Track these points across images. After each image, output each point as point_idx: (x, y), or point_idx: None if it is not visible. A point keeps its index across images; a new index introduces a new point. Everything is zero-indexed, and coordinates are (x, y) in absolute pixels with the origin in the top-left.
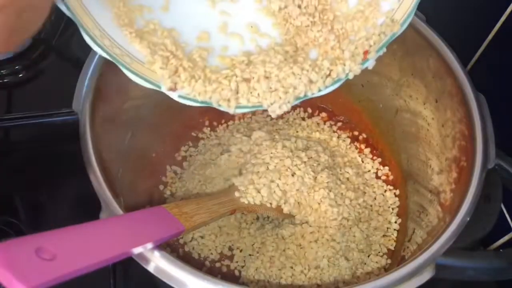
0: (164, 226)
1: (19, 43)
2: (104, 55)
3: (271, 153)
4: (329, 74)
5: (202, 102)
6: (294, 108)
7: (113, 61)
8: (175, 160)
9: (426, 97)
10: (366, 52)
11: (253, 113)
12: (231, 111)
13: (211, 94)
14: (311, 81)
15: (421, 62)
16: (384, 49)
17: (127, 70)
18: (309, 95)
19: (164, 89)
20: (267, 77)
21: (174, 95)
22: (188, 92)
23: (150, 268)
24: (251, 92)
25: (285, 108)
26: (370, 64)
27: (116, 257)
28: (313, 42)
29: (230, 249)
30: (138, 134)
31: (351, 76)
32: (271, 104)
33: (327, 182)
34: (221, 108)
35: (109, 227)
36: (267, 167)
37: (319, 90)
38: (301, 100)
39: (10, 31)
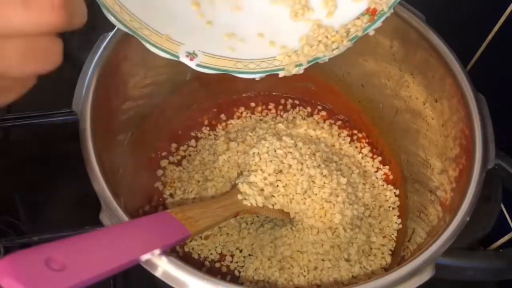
0: (170, 231)
1: None
2: (125, 29)
3: (271, 153)
4: (347, 35)
5: (218, 70)
6: (293, 106)
7: (133, 34)
8: (175, 160)
9: (426, 97)
10: (374, 12)
11: (252, 112)
12: (249, 76)
13: (227, 62)
14: (326, 45)
15: (421, 62)
16: (392, 10)
17: (146, 42)
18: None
19: (182, 59)
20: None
21: (192, 64)
22: (205, 60)
23: (150, 267)
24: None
25: (300, 71)
26: (378, 25)
27: (125, 265)
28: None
29: (230, 249)
30: (138, 134)
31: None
32: (287, 68)
33: (327, 182)
34: (238, 74)
35: (117, 235)
36: (268, 168)
37: (332, 53)
38: (314, 62)
39: None
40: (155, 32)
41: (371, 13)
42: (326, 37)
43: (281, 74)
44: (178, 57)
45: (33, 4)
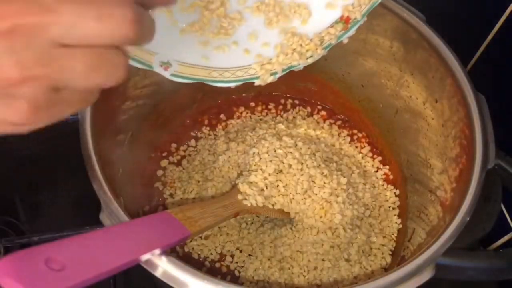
0: (170, 231)
1: (47, 122)
2: None
3: (271, 153)
4: (321, 44)
5: (193, 79)
6: (293, 106)
7: None
8: (175, 160)
9: (426, 97)
10: (347, 20)
11: (252, 112)
12: (224, 85)
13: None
14: (301, 54)
15: (421, 62)
16: (365, 18)
17: None
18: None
19: (156, 69)
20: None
21: (166, 74)
22: (179, 70)
23: (150, 267)
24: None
25: (275, 79)
26: (351, 33)
27: (125, 265)
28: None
29: (230, 249)
30: (138, 134)
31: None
32: (262, 77)
33: (327, 182)
34: (213, 83)
35: (117, 235)
36: (268, 168)
37: (306, 61)
38: (289, 70)
39: (37, 107)
40: None
41: (344, 21)
42: (301, 45)
43: (257, 82)
44: (152, 67)
45: (107, 16)
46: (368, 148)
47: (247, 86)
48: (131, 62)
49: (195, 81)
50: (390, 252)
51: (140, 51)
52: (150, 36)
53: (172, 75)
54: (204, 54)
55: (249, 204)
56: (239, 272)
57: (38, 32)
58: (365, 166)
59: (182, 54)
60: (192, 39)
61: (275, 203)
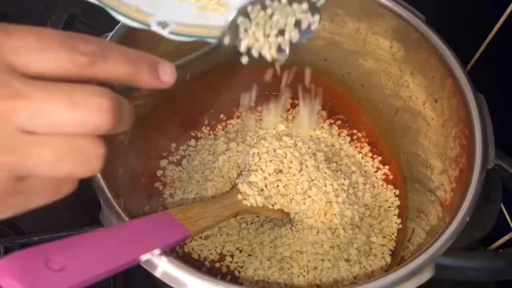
0: (170, 231)
1: (12, 212)
2: (93, 1)
3: (271, 153)
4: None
5: (193, 36)
6: (293, 106)
7: (102, 5)
8: (174, 160)
9: (426, 97)
10: None
11: (252, 112)
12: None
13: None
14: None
15: (421, 62)
16: None
17: (116, 13)
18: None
19: (154, 27)
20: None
21: (164, 32)
22: (177, 29)
23: (150, 267)
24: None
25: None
26: None
27: (124, 265)
28: None
29: (230, 249)
30: (138, 134)
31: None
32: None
33: (327, 182)
34: (214, 40)
35: (117, 235)
36: (268, 168)
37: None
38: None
39: None
40: (124, 4)
41: None
42: None
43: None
44: (149, 25)
45: (80, 103)
46: (368, 148)
47: (248, 87)
48: (127, 22)
49: (196, 39)
50: (390, 252)
51: (136, 13)
52: (127, 125)
53: (171, 33)
54: (204, 15)
55: (249, 204)
56: (239, 272)
57: (5, 117)
58: (365, 166)
59: (180, 16)
60: (189, 4)
61: (275, 203)
